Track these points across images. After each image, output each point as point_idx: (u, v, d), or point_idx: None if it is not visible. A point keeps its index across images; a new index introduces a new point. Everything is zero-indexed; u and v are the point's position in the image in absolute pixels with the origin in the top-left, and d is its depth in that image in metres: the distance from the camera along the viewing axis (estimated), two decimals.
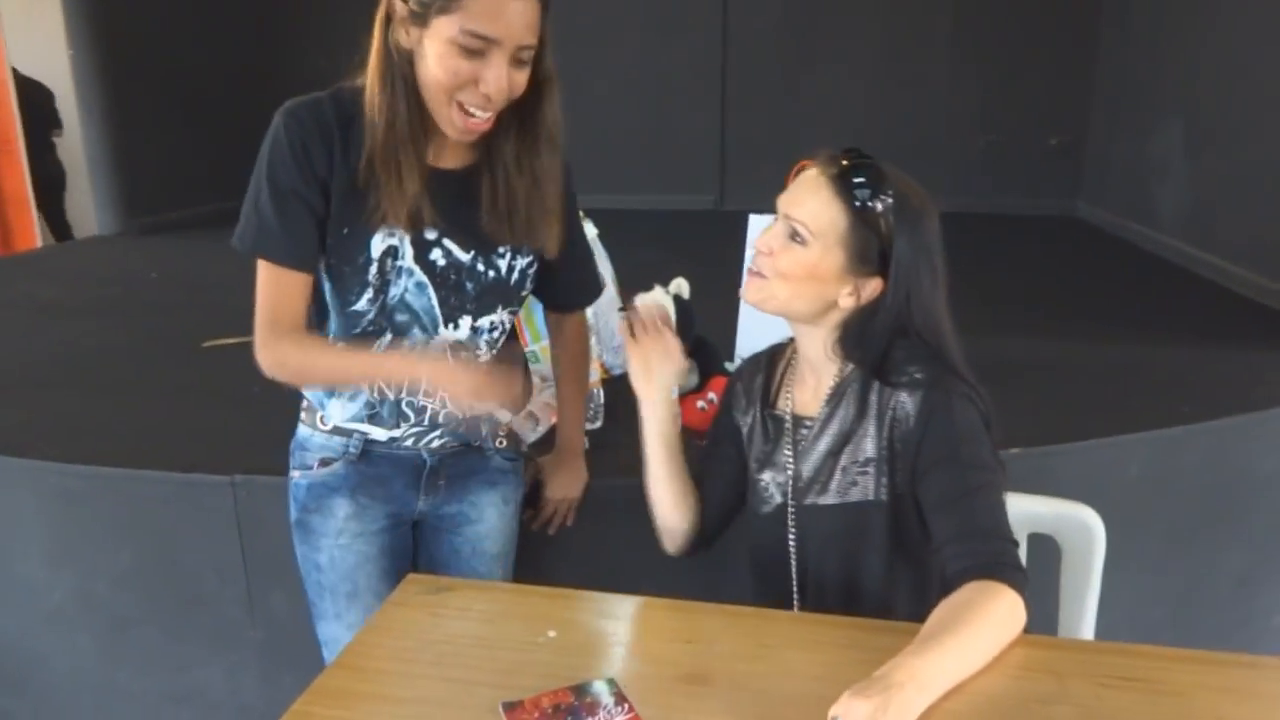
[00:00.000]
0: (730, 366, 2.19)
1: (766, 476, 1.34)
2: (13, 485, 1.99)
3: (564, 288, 1.57)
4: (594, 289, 1.66)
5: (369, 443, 1.45)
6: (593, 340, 2.01)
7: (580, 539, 1.77)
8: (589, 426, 2.07)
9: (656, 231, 4.67)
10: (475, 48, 1.19)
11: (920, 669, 0.99)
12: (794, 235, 1.21)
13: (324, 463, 1.46)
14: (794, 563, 1.32)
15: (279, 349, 1.31)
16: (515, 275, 1.43)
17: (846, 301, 1.23)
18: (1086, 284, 3.82)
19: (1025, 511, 1.46)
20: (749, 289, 1.26)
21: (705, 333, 2.24)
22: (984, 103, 5.35)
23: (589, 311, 2.03)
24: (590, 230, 2.19)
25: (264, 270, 1.31)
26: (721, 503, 1.44)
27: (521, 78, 1.25)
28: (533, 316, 2.15)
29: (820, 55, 5.46)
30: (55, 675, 2.09)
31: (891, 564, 1.25)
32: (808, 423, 1.30)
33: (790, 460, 1.31)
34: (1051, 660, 1.09)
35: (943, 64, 5.37)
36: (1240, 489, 2.21)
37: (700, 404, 2.04)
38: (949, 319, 1.26)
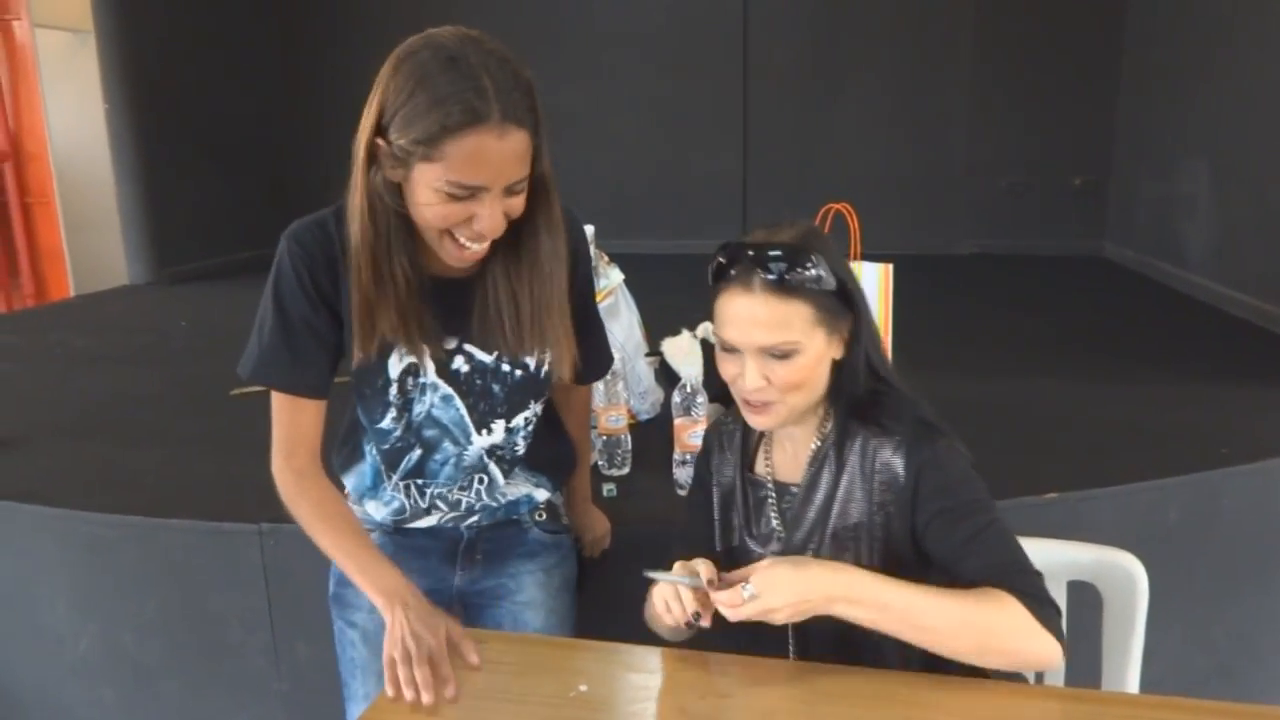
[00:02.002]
0: None
1: (755, 547, 1.31)
2: (40, 534, 1.99)
3: (583, 363, 1.49)
4: (606, 362, 1.60)
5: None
6: (619, 386, 2.00)
7: (610, 587, 1.74)
8: (617, 473, 2.05)
9: (680, 275, 4.67)
10: (462, 195, 1.14)
11: (858, 575, 1.09)
12: (779, 355, 1.16)
13: None
14: (790, 632, 1.28)
15: (290, 487, 1.30)
16: (545, 368, 1.38)
17: (839, 352, 1.22)
18: (1116, 324, 3.78)
19: (1064, 558, 1.43)
20: (760, 420, 1.21)
21: None
22: (1006, 143, 5.36)
23: (617, 358, 2.03)
24: (616, 276, 2.21)
25: (275, 398, 1.29)
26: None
27: (517, 203, 1.19)
28: None
29: (841, 98, 5.51)
30: None
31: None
32: (792, 489, 1.27)
33: (780, 531, 1.28)
34: (1096, 714, 1.05)
35: (964, 105, 5.40)
36: None
37: None
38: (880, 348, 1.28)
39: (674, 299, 3.41)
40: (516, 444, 1.42)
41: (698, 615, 1.14)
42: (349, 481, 1.48)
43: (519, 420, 1.40)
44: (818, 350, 1.18)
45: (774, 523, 1.29)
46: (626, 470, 2.06)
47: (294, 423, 1.29)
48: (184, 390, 3.02)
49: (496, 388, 1.36)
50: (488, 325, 1.29)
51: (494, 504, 1.45)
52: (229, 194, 5.22)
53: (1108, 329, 3.68)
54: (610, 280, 2.18)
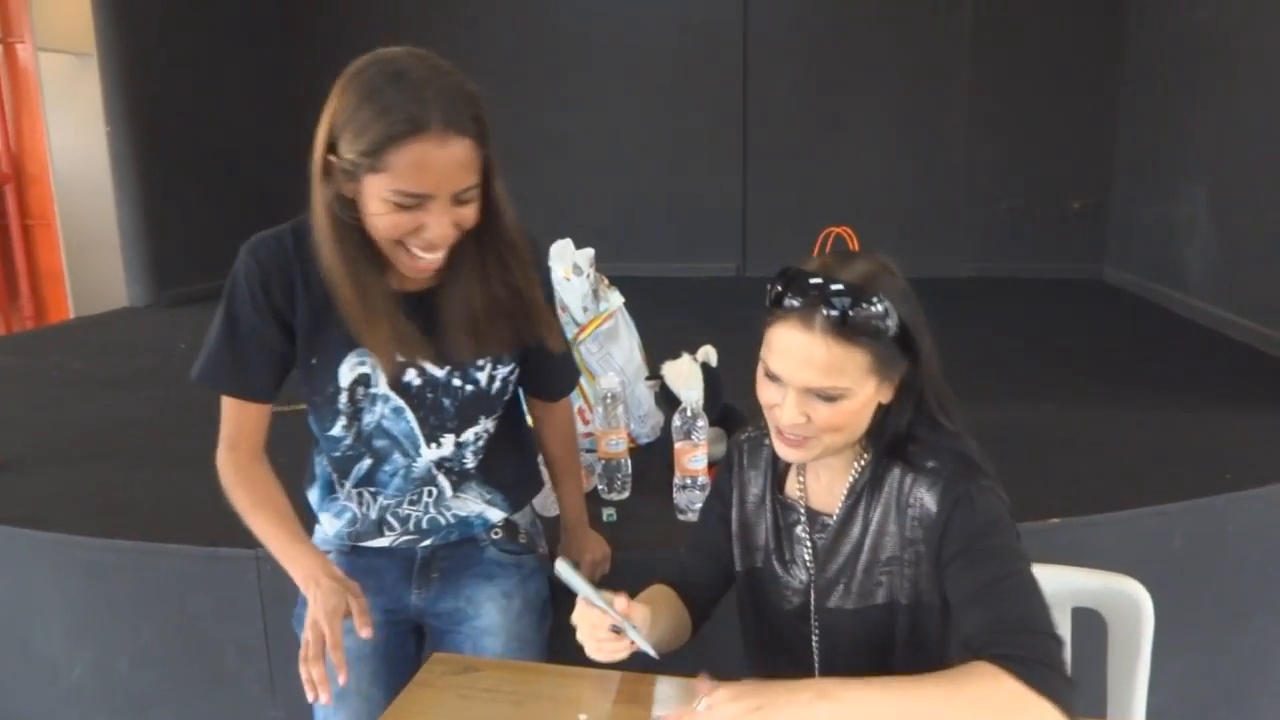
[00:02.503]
0: None
1: (781, 572, 1.28)
2: (36, 559, 1.98)
3: (548, 378, 1.53)
4: (572, 377, 1.62)
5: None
6: (619, 410, 1.99)
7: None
8: (617, 497, 2.04)
9: (679, 298, 4.69)
10: (409, 204, 1.16)
11: (834, 689, 0.98)
12: (825, 398, 1.12)
13: None
14: (817, 660, 1.26)
15: (229, 475, 1.35)
16: (497, 384, 1.41)
17: (888, 397, 1.17)
18: (1116, 348, 3.78)
19: (1068, 584, 1.41)
20: (791, 454, 1.18)
21: (732, 400, 2.21)
22: (1005, 167, 5.38)
23: (616, 381, 2.02)
24: (617, 299, 2.20)
25: (224, 398, 1.35)
26: (714, 584, 1.37)
27: (468, 212, 1.21)
28: None
29: (841, 123, 5.54)
30: None
31: (910, 666, 1.17)
32: (824, 518, 1.24)
33: (810, 562, 1.25)
34: None
35: (962, 129, 5.42)
36: None
37: None
38: (946, 385, 1.20)
39: (674, 322, 3.42)
40: (465, 458, 1.43)
41: (617, 630, 1.08)
42: (311, 497, 1.50)
43: (469, 435, 1.41)
44: (866, 396, 1.13)
45: (805, 553, 1.26)
46: (626, 495, 2.05)
47: (238, 421, 1.35)
48: (183, 413, 3.00)
49: (447, 402, 1.38)
50: (450, 334, 1.31)
51: (443, 520, 1.45)
52: (229, 217, 5.19)
53: (1108, 353, 3.68)
54: (610, 303, 2.17)
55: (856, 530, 1.21)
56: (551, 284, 1.50)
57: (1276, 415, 2.68)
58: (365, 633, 1.24)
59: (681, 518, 1.91)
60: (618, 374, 2.10)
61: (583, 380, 2.17)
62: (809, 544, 1.25)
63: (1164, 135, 4.58)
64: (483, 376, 1.38)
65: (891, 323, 1.10)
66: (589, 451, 2.15)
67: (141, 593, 1.93)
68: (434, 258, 1.23)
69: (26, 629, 2.01)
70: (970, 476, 1.14)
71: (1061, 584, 1.39)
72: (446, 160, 1.15)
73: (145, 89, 4.80)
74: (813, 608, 1.25)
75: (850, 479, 1.22)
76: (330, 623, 1.22)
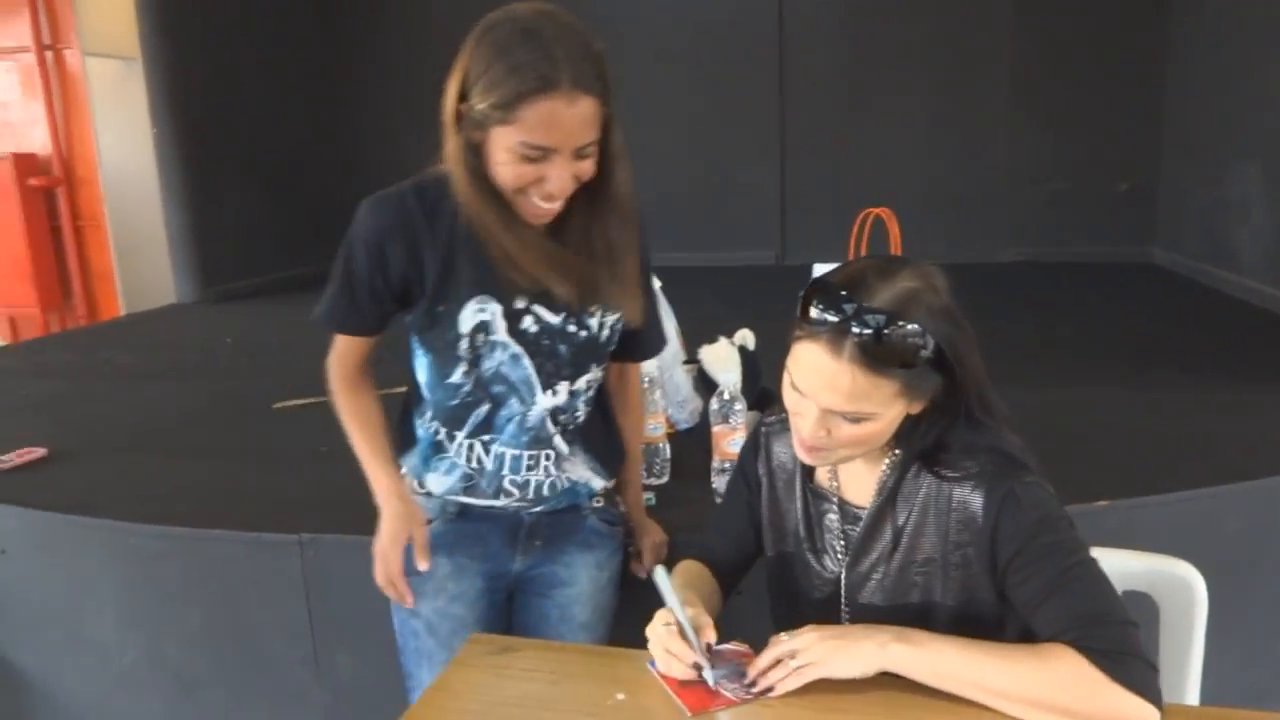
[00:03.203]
0: None
1: (813, 561, 1.26)
2: (89, 545, 2.02)
3: (638, 341, 1.57)
4: (661, 341, 1.67)
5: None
6: (657, 395, 1.98)
7: (648, 595, 1.72)
8: (656, 482, 2.04)
9: (718, 287, 4.67)
10: (534, 156, 1.23)
11: (915, 635, 1.05)
12: (849, 419, 1.10)
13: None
14: (844, 616, 1.25)
15: (335, 383, 1.48)
16: (606, 332, 1.45)
17: (917, 409, 1.14)
18: (1167, 330, 3.69)
19: (1117, 568, 1.37)
20: (811, 459, 1.17)
21: (770, 384, 2.20)
22: (1049, 149, 5.28)
23: (654, 365, 2.02)
24: (654, 284, 2.19)
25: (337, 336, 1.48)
26: (737, 565, 1.38)
27: (586, 166, 1.28)
28: None
29: (878, 107, 5.47)
30: None
31: None
32: (857, 511, 1.22)
33: (842, 554, 1.23)
34: None
35: (1003, 111, 5.33)
36: None
37: None
38: (988, 381, 1.15)
39: (711, 310, 3.41)
40: (578, 409, 1.47)
41: (699, 667, 1.11)
42: (408, 464, 1.53)
43: (582, 383, 1.46)
44: (892, 416, 1.11)
45: (837, 544, 1.24)
46: (665, 479, 2.04)
47: (346, 347, 1.47)
48: (228, 405, 3.06)
49: (563, 348, 1.42)
50: (565, 277, 1.36)
51: (559, 485, 1.49)
52: (272, 215, 5.34)
53: (1158, 335, 3.60)
54: None
55: (891, 528, 1.18)
56: (648, 259, 1.52)
57: None
58: (423, 565, 1.37)
59: (719, 501, 1.90)
60: (655, 359, 2.09)
61: None
62: (841, 535, 1.24)
63: (1214, 113, 4.45)
64: (594, 323, 1.43)
65: (926, 350, 1.06)
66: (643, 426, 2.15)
67: (190, 578, 1.96)
68: (553, 206, 1.30)
69: (79, 615, 2.05)
70: (1012, 474, 1.11)
71: (1111, 567, 1.33)
72: (573, 117, 1.21)
73: (189, 92, 4.89)
74: (843, 599, 1.24)
75: (882, 474, 1.20)
76: (392, 551, 1.39)
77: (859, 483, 1.23)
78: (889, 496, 1.18)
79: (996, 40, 5.27)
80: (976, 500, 1.11)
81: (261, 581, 1.90)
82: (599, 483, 1.54)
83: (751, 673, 1.11)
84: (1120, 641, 1.02)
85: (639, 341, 1.58)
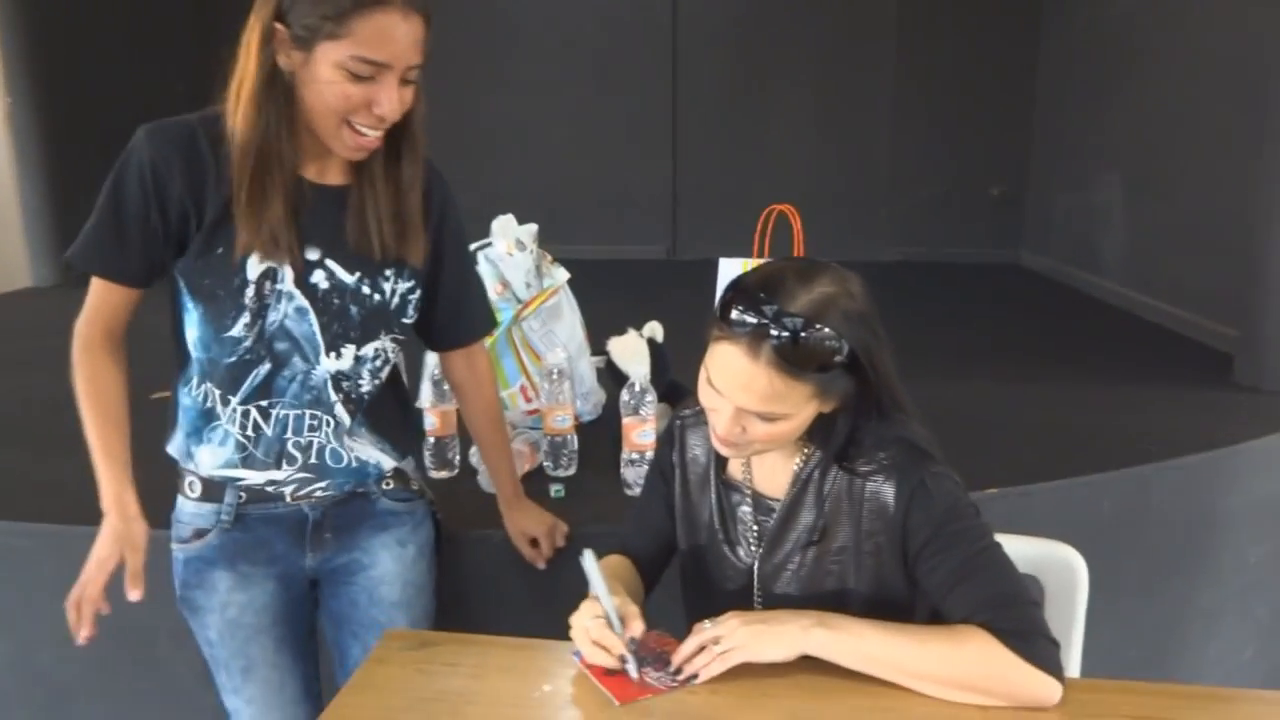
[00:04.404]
0: None
1: (728, 552, 1.28)
2: None
3: (462, 316, 1.51)
4: (481, 321, 1.58)
5: (243, 505, 1.39)
6: (565, 386, 1.97)
7: (558, 585, 1.71)
8: (564, 474, 2.02)
9: (613, 280, 4.67)
10: (365, 73, 1.18)
11: (836, 620, 1.08)
12: (764, 418, 1.12)
13: (198, 534, 1.41)
14: (756, 603, 1.27)
15: (76, 352, 1.34)
16: (396, 299, 1.38)
17: (829, 408, 1.16)
18: (1036, 329, 3.90)
19: (1009, 552, 1.45)
20: (728, 451, 1.18)
21: (678, 377, 2.22)
22: (927, 154, 5.50)
23: (563, 357, 2.01)
24: (561, 275, 2.18)
25: (94, 281, 1.32)
26: (657, 559, 1.38)
27: (409, 94, 1.24)
28: (500, 363, 2.11)
29: (767, 108, 5.59)
30: None
31: None
32: (770, 503, 1.24)
33: (756, 545, 1.25)
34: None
35: (887, 116, 5.52)
36: (1206, 526, 2.24)
37: None
38: (898, 378, 1.19)
39: (612, 303, 3.40)
40: (362, 377, 1.38)
41: (624, 659, 1.12)
42: (176, 443, 1.44)
43: (369, 349, 1.37)
44: (805, 416, 1.13)
45: (750, 535, 1.26)
46: (573, 471, 2.03)
47: (103, 301, 1.32)
48: None
49: (354, 309, 1.34)
50: (362, 229, 1.31)
51: (344, 457, 1.40)
52: None
53: (1028, 334, 3.80)
54: (555, 279, 2.15)
55: (805, 519, 1.21)
56: (459, 213, 1.47)
57: (1188, 391, 2.81)
58: (133, 595, 1.27)
59: (629, 492, 1.91)
60: (562, 349, 2.07)
61: (525, 358, 2.14)
62: (754, 527, 1.26)
63: (1079, 124, 4.73)
64: (387, 288, 1.36)
65: (841, 355, 1.08)
66: (534, 429, 2.13)
67: (65, 580, 1.83)
68: (376, 136, 1.24)
69: None
70: (921, 465, 1.15)
71: None
72: (407, 33, 1.18)
73: (48, 60, 4.56)
74: (756, 589, 1.26)
75: (795, 467, 1.22)
76: (97, 574, 1.29)
77: (772, 475, 1.25)
78: (802, 488, 1.21)
79: (880, 49, 5.45)
80: (888, 491, 1.15)
81: (148, 581, 1.79)
82: (389, 463, 1.46)
83: (676, 660, 1.12)
84: (1027, 621, 1.08)
85: (463, 314, 1.51)
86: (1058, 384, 2.92)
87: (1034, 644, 1.06)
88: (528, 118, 5.55)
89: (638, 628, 1.14)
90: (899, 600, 1.19)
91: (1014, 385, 2.92)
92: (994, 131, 5.35)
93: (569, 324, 2.21)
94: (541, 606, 1.68)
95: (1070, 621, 1.46)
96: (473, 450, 1.97)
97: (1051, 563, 1.47)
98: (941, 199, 5.50)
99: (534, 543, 1.65)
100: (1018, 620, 1.08)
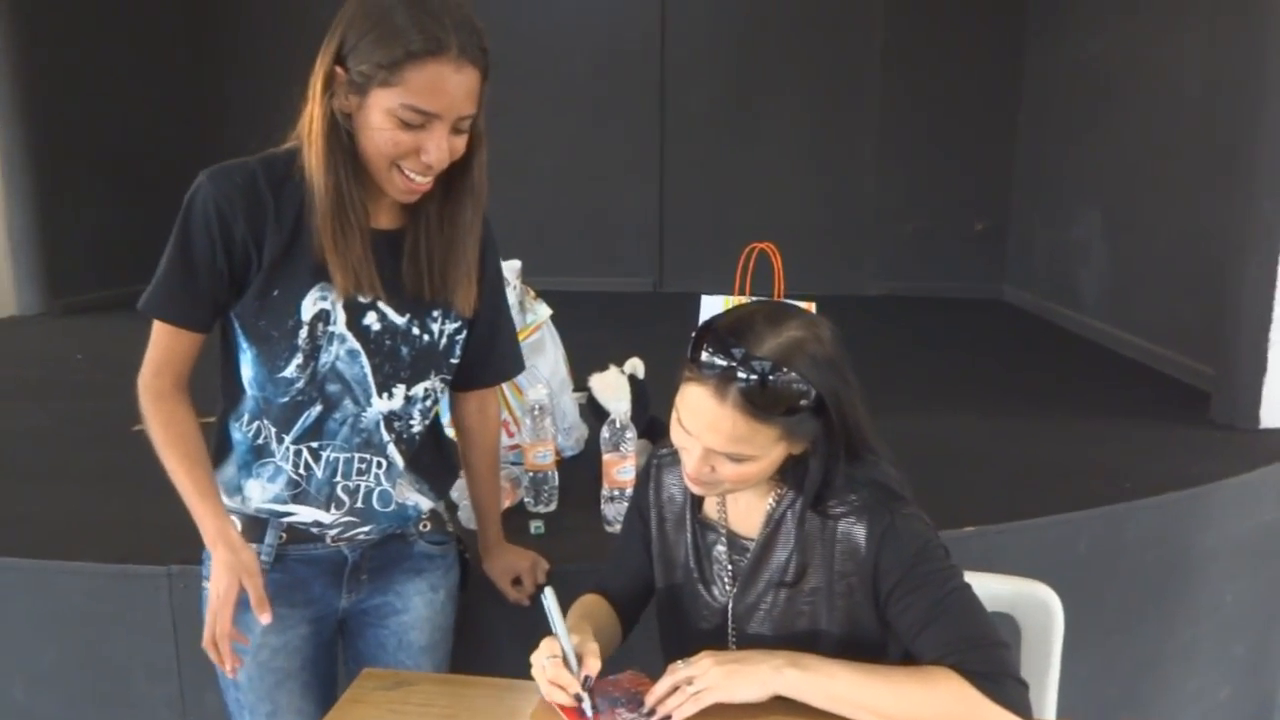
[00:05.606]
0: None
1: (702, 590, 1.29)
2: None
3: (491, 357, 1.51)
4: (518, 364, 1.59)
5: (283, 545, 1.39)
6: (547, 422, 1.98)
7: (539, 624, 1.71)
8: (545, 510, 2.03)
9: (599, 313, 4.70)
10: (416, 122, 1.19)
11: (808, 660, 1.10)
12: (732, 459, 1.14)
13: None
14: (730, 641, 1.28)
15: (147, 403, 1.32)
16: (445, 340, 1.40)
17: (799, 449, 1.18)
18: (1017, 364, 3.94)
19: (983, 590, 1.43)
20: (699, 490, 1.21)
21: (659, 413, 2.23)
22: (911, 189, 5.56)
23: (544, 393, 2.02)
24: (544, 311, 2.20)
25: (157, 326, 1.32)
26: (636, 597, 1.39)
27: (461, 143, 1.25)
28: None
29: (753, 142, 5.64)
30: None
31: None
32: (744, 542, 1.26)
33: (730, 584, 1.26)
34: None
35: (872, 151, 5.59)
36: (1182, 564, 2.25)
37: None
38: (869, 420, 1.20)
39: (596, 336, 3.42)
40: (413, 418, 1.40)
41: (579, 698, 1.12)
42: (225, 474, 1.42)
43: (419, 389, 1.39)
44: (774, 458, 1.15)
45: (724, 574, 1.27)
46: (554, 507, 2.04)
47: (169, 348, 1.32)
48: (79, 427, 2.87)
49: (405, 350, 1.36)
50: (416, 271, 1.32)
51: (392, 500, 1.41)
52: (128, 223, 5.00)
53: (1009, 369, 3.83)
54: (537, 315, 2.17)
55: (778, 558, 1.22)
56: (498, 258, 1.49)
57: (1166, 428, 2.83)
58: (264, 619, 1.28)
59: (609, 529, 1.92)
60: (544, 386, 2.09)
61: (508, 393, 2.15)
62: (729, 566, 1.27)
63: (1060, 162, 4.80)
64: (435, 329, 1.38)
65: (808, 399, 1.10)
66: (515, 464, 2.13)
67: (42, 614, 1.83)
68: (426, 181, 1.25)
69: None
70: (892, 507, 1.16)
71: (978, 589, 1.42)
72: (459, 84, 1.19)
73: (37, 89, 4.58)
74: (730, 628, 1.27)
75: (769, 506, 1.24)
76: (223, 609, 1.28)
77: (747, 514, 1.26)
78: (775, 528, 1.22)
79: (865, 85, 5.53)
80: (859, 532, 1.16)
81: (124, 618, 1.79)
82: (426, 504, 1.48)
83: (650, 700, 1.13)
84: (996, 662, 1.10)
85: (492, 358, 1.51)
86: (1037, 420, 2.94)
87: (1003, 685, 1.08)
88: (515, 151, 5.58)
89: (594, 665, 1.14)
90: (871, 641, 1.20)
91: (993, 420, 2.95)
92: (977, 167, 5.43)
93: (551, 359, 2.23)
94: (519, 645, 1.68)
95: (1046, 660, 1.47)
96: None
97: (1028, 601, 1.48)
98: (925, 234, 5.57)
99: (516, 581, 1.65)
100: (987, 661, 1.09)
